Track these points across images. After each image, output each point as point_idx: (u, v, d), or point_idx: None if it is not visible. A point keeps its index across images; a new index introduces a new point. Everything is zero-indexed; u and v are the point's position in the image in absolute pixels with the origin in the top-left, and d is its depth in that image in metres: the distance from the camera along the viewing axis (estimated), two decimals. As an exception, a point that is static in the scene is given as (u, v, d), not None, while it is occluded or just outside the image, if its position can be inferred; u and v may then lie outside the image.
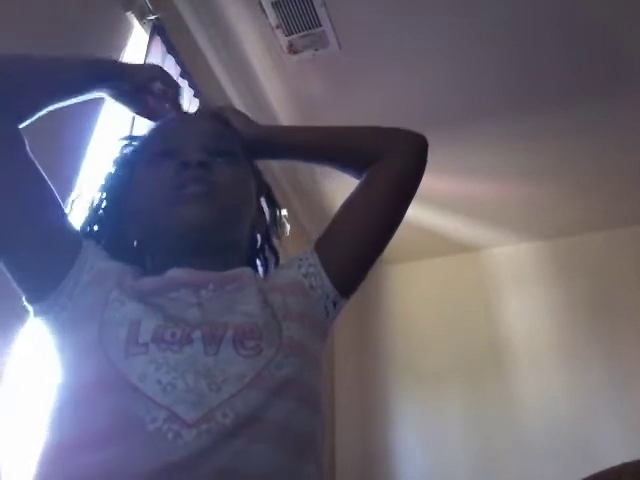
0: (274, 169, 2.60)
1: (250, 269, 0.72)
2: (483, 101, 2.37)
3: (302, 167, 2.69)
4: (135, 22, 1.64)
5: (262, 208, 0.83)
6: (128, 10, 1.62)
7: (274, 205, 0.85)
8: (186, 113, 0.89)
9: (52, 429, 0.57)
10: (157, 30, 1.66)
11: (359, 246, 0.75)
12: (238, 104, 2.29)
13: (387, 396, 3.03)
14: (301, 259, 0.74)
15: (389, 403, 3.01)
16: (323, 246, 0.75)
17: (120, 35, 1.59)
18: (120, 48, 1.57)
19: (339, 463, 2.89)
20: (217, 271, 0.68)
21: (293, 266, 0.74)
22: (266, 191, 0.85)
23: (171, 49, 1.71)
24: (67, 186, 1.28)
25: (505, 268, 3.21)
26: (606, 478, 0.52)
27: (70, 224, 0.70)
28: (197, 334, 0.58)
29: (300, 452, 0.56)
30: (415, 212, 2.97)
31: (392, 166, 0.78)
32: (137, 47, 1.67)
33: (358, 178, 0.80)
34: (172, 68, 1.71)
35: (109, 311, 0.61)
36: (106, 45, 1.52)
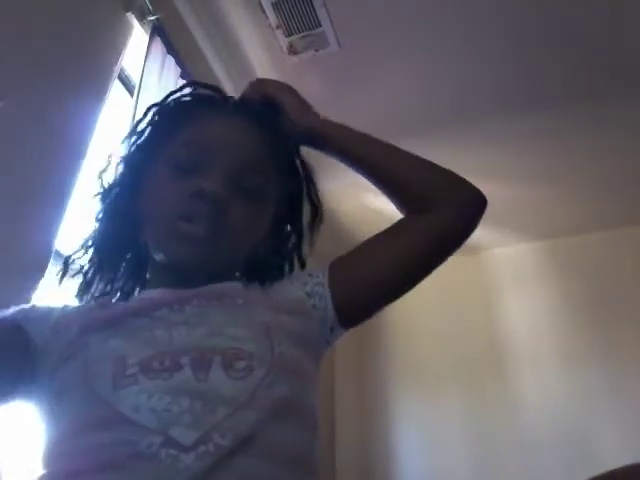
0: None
1: (238, 283, 0.69)
2: (482, 102, 2.37)
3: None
4: (135, 23, 1.64)
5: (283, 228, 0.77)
6: (128, 11, 1.62)
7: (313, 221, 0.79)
8: (230, 100, 0.77)
9: (45, 465, 0.56)
10: (157, 31, 1.66)
11: (375, 288, 0.71)
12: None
13: (387, 396, 3.03)
14: (310, 275, 0.70)
15: (389, 403, 3.01)
16: (338, 271, 0.70)
17: (120, 36, 1.59)
18: (120, 49, 1.57)
19: (339, 463, 2.89)
20: (202, 285, 0.65)
21: (299, 282, 0.70)
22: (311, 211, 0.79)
23: (171, 50, 1.71)
24: (66, 188, 1.28)
25: (505, 268, 3.21)
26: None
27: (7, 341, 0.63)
28: (185, 360, 0.56)
29: (298, 469, 0.56)
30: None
31: (439, 221, 0.72)
32: (137, 48, 1.67)
33: (402, 213, 0.75)
34: (172, 69, 1.71)
35: (90, 351, 0.59)
36: (106, 46, 1.52)
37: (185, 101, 0.76)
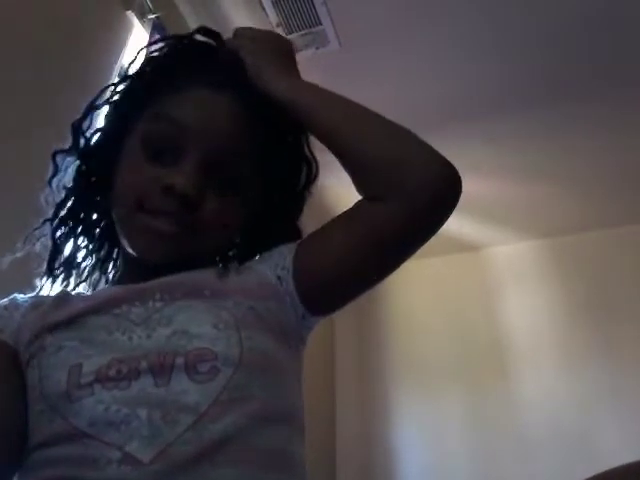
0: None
1: (210, 271, 0.63)
2: (483, 100, 2.36)
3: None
4: (135, 21, 1.64)
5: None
6: (128, 9, 1.61)
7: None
8: (221, 65, 0.68)
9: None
10: (157, 29, 1.66)
11: (336, 283, 0.63)
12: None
13: (388, 394, 3.04)
14: (278, 256, 0.65)
15: (390, 401, 3.02)
16: (302, 256, 0.63)
17: (120, 34, 1.58)
18: (120, 47, 1.57)
19: (340, 461, 2.89)
20: (171, 273, 0.61)
21: (270, 263, 0.64)
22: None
23: (171, 48, 1.71)
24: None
25: (505, 267, 3.21)
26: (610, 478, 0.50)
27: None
28: (144, 365, 0.53)
29: (274, 471, 0.53)
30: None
31: (392, 215, 0.59)
32: (137, 46, 1.67)
33: (359, 194, 0.64)
34: (172, 67, 1.71)
35: (45, 357, 0.56)
36: (106, 44, 1.52)
37: (168, 61, 0.69)
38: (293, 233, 0.71)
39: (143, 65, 0.71)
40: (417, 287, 3.28)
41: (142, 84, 0.68)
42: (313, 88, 0.69)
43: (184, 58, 0.69)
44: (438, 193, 0.59)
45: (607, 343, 2.79)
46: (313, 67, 2.35)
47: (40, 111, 1.23)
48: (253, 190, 0.67)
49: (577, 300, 2.95)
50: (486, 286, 3.18)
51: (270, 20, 2.02)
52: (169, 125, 0.62)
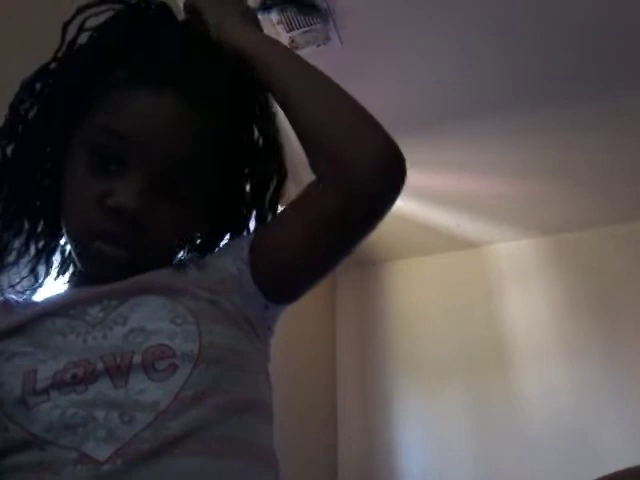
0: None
1: (166, 269, 0.62)
2: (485, 98, 2.36)
3: (303, 161, 2.68)
4: (136, 18, 1.64)
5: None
6: (129, 6, 1.61)
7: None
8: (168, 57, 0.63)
9: None
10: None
11: (291, 270, 0.61)
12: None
13: (389, 392, 3.04)
14: (237, 247, 0.64)
15: (391, 399, 3.02)
16: (256, 246, 0.63)
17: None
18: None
19: (341, 459, 2.90)
20: (128, 276, 0.59)
21: (230, 256, 0.63)
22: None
23: (172, 45, 1.71)
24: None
25: (507, 264, 3.21)
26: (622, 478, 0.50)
27: None
28: (100, 367, 0.52)
29: (231, 456, 0.52)
30: (416, 208, 2.99)
31: (328, 195, 0.58)
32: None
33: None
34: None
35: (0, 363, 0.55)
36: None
37: (107, 42, 0.65)
38: (259, 218, 0.70)
39: (78, 46, 0.67)
40: (418, 284, 3.28)
41: (77, 71, 0.65)
42: (278, 44, 0.67)
43: (125, 39, 0.64)
44: (386, 172, 0.58)
45: (608, 341, 2.79)
46: (314, 65, 2.36)
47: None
48: (210, 185, 0.66)
49: (578, 298, 2.95)
50: (487, 283, 3.17)
51: (271, 17, 2.01)
52: (112, 139, 0.60)
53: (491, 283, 3.17)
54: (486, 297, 3.13)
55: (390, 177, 0.59)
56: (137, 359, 0.52)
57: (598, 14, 1.99)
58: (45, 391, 0.51)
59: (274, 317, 0.65)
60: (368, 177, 0.56)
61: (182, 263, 0.65)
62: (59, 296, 0.62)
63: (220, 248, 0.69)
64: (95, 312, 0.57)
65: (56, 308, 0.58)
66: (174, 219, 0.61)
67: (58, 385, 0.51)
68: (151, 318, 0.55)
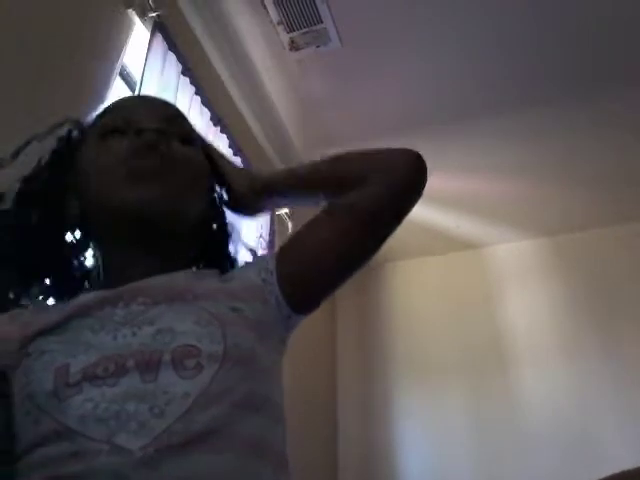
0: (274, 162, 2.60)
1: (189, 274, 0.67)
2: (484, 99, 2.36)
3: (303, 160, 2.68)
4: (136, 19, 1.64)
5: (217, 207, 0.78)
6: (129, 7, 1.61)
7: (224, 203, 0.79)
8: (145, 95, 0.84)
9: None
10: (158, 27, 1.66)
11: (317, 273, 0.68)
12: (240, 101, 2.29)
13: (389, 391, 3.04)
14: (262, 261, 0.69)
15: (391, 398, 3.02)
16: (283, 258, 0.68)
17: (121, 32, 1.58)
18: (121, 45, 1.57)
19: (341, 458, 2.90)
20: (152, 274, 0.63)
21: (254, 269, 0.68)
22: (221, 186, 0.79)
23: (172, 46, 1.71)
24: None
25: (507, 265, 3.21)
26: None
27: None
28: (131, 363, 0.54)
29: (258, 459, 0.54)
30: (417, 209, 2.99)
31: (362, 194, 0.67)
32: (138, 44, 1.67)
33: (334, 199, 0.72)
34: (173, 65, 1.71)
35: (30, 363, 0.57)
36: (107, 42, 1.52)
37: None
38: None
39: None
40: (418, 285, 3.28)
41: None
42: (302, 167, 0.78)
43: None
44: (411, 173, 0.70)
45: (608, 341, 2.79)
46: (314, 65, 2.36)
47: (40, 109, 1.24)
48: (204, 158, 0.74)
49: (578, 298, 2.95)
50: (487, 284, 3.18)
51: (271, 18, 2.02)
52: (118, 110, 0.71)
53: (491, 284, 3.17)
54: (486, 298, 3.13)
55: (419, 174, 0.70)
56: (167, 357, 0.54)
57: (599, 14, 1.99)
58: (77, 384, 0.53)
59: (293, 327, 0.69)
60: (405, 173, 0.69)
61: (202, 271, 0.71)
62: (86, 298, 0.63)
63: (245, 263, 0.75)
64: (123, 313, 0.59)
65: (85, 309, 0.60)
66: (185, 153, 0.69)
67: (90, 378, 0.53)
68: (177, 319, 0.58)
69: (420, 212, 2.95)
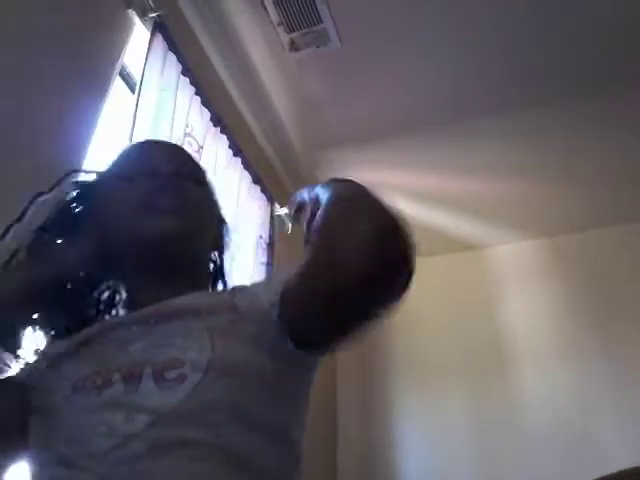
0: (274, 162, 2.60)
1: (202, 292, 0.72)
2: (484, 99, 2.36)
3: (304, 162, 2.69)
4: (136, 20, 1.64)
5: (222, 235, 0.85)
6: (129, 7, 1.61)
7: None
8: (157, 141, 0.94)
9: None
10: (158, 28, 1.66)
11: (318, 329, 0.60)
12: (240, 102, 2.29)
13: (389, 392, 3.04)
14: (274, 285, 0.64)
15: (391, 399, 3.02)
16: (285, 299, 0.61)
17: (121, 33, 1.58)
18: (121, 46, 1.57)
19: (341, 459, 2.90)
20: (164, 298, 0.66)
21: (269, 287, 0.65)
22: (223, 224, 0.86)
23: (172, 47, 1.71)
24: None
25: (507, 265, 3.21)
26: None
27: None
28: (117, 376, 0.58)
29: (227, 467, 0.54)
30: (416, 210, 2.99)
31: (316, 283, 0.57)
32: (138, 44, 1.67)
33: None
34: (173, 65, 1.70)
35: (46, 376, 0.65)
36: (107, 43, 1.52)
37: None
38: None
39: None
40: (418, 286, 3.25)
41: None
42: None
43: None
44: (368, 270, 0.54)
45: (608, 342, 2.79)
46: (314, 66, 2.36)
47: (40, 110, 1.24)
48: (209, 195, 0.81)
49: (578, 299, 2.95)
50: (487, 285, 3.17)
51: (271, 19, 2.02)
52: (136, 156, 0.79)
53: (491, 285, 3.17)
54: (486, 299, 3.13)
55: (384, 270, 0.56)
56: (149, 369, 0.57)
57: (599, 14, 1.99)
58: (66, 396, 0.60)
59: (302, 361, 0.64)
60: (358, 272, 0.53)
61: (214, 292, 0.77)
62: (105, 322, 0.72)
63: (266, 278, 0.77)
64: (132, 333, 0.63)
65: (98, 333, 0.67)
66: (196, 193, 0.75)
67: (78, 390, 0.59)
68: (176, 335, 0.61)
69: (419, 212, 2.95)
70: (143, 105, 1.51)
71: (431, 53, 2.17)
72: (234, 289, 0.71)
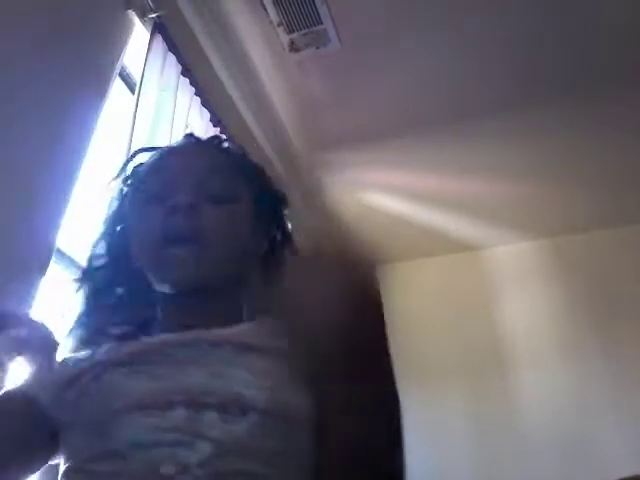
0: (274, 162, 2.60)
1: (246, 327, 0.70)
2: (484, 99, 2.36)
3: (304, 162, 2.69)
4: (136, 20, 1.64)
5: (268, 247, 0.80)
6: (129, 8, 1.61)
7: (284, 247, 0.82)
8: (189, 139, 0.88)
9: None
10: (158, 28, 1.66)
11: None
12: (240, 102, 2.29)
13: (389, 394, 3.03)
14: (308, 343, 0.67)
15: (391, 401, 3.01)
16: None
17: (121, 33, 1.58)
18: (121, 46, 1.56)
19: (341, 461, 2.89)
20: (210, 324, 0.67)
21: (304, 342, 0.67)
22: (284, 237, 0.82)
23: (172, 47, 1.71)
24: (67, 186, 1.28)
25: (506, 266, 3.21)
26: None
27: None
28: (179, 399, 0.59)
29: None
30: (416, 210, 2.99)
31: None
32: (138, 45, 1.67)
33: None
34: (173, 66, 1.71)
35: (93, 387, 0.65)
36: (107, 43, 1.52)
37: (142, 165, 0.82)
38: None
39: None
40: (417, 287, 3.28)
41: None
42: None
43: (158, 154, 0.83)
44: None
45: (608, 343, 2.79)
46: (314, 66, 2.35)
47: (40, 110, 1.23)
48: (249, 204, 0.76)
49: (578, 300, 2.94)
50: (486, 286, 3.17)
51: (271, 19, 2.01)
52: (161, 172, 0.76)
53: (491, 286, 3.17)
54: (486, 300, 3.13)
55: None
56: (213, 400, 0.59)
57: (599, 14, 1.99)
58: (128, 411, 0.60)
59: None
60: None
61: (263, 321, 0.73)
62: (157, 338, 0.69)
63: (302, 321, 0.75)
64: (183, 354, 0.65)
65: (148, 349, 0.67)
66: (218, 218, 0.71)
67: (141, 407, 0.60)
68: (232, 366, 0.63)
69: (419, 213, 2.95)
70: (143, 105, 1.51)
71: (431, 53, 2.17)
72: (273, 328, 0.69)
